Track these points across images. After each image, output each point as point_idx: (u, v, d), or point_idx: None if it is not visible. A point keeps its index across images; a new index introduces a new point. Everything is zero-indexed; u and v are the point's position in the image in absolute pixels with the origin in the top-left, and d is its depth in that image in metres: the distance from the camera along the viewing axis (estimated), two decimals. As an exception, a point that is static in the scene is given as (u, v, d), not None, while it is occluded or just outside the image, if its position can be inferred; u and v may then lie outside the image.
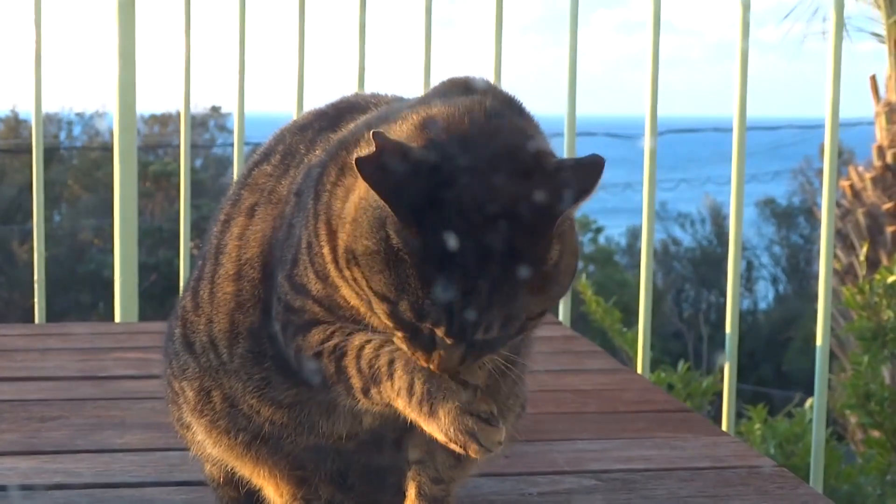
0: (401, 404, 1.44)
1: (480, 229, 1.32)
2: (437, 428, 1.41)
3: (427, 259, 1.32)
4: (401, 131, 1.40)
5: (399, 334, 1.41)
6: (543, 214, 1.33)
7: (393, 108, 1.54)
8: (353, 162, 1.30)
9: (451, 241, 1.31)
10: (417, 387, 1.42)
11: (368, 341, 1.47)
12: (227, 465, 1.77)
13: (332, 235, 1.45)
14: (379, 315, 1.40)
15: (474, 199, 1.32)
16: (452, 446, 1.42)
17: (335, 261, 1.45)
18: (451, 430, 1.40)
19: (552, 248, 1.35)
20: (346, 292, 1.46)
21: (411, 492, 1.66)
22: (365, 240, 1.37)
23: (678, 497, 1.97)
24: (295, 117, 1.90)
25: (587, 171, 1.35)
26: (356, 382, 1.48)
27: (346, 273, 1.41)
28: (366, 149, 1.34)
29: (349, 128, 1.58)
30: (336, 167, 1.47)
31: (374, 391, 1.47)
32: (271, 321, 1.58)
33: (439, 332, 1.36)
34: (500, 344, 1.41)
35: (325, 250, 1.46)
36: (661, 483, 2.03)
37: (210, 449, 1.75)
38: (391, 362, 1.44)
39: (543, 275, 1.36)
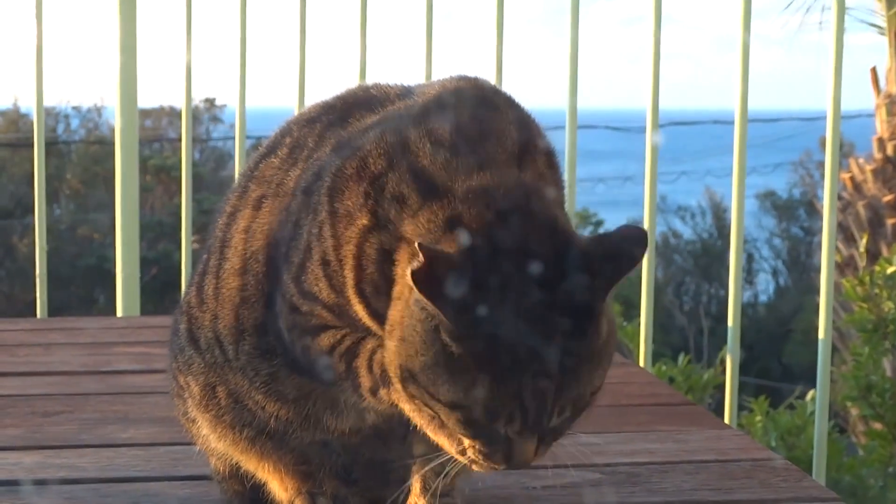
0: (407, 408, 1.45)
1: (537, 320, 1.34)
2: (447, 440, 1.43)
3: (490, 359, 1.34)
4: (428, 233, 1.40)
5: (472, 443, 1.40)
6: (592, 295, 1.36)
7: (405, 115, 1.53)
8: (410, 273, 1.31)
9: (512, 337, 1.33)
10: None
11: (380, 345, 1.47)
12: (232, 459, 1.77)
13: (361, 272, 1.46)
14: (450, 426, 1.40)
15: (525, 293, 1.35)
16: (459, 456, 1.44)
17: (357, 287, 1.46)
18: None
19: (602, 322, 1.38)
20: (359, 310, 1.48)
21: (416, 485, 1.67)
22: (422, 356, 1.37)
23: (683, 490, 1.97)
24: (297, 111, 1.90)
25: (630, 243, 1.38)
26: (365, 382, 1.50)
27: (405, 392, 1.42)
28: (413, 262, 1.34)
29: (359, 126, 1.58)
30: (366, 209, 1.46)
31: (382, 392, 1.48)
32: (275, 317, 1.58)
33: (514, 428, 1.37)
34: (569, 427, 1.43)
35: (349, 275, 1.47)
36: (665, 476, 2.03)
37: (215, 443, 1.75)
38: None
39: (599, 350, 1.39)
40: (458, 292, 1.33)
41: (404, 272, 1.40)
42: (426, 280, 1.32)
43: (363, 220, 1.46)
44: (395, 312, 1.42)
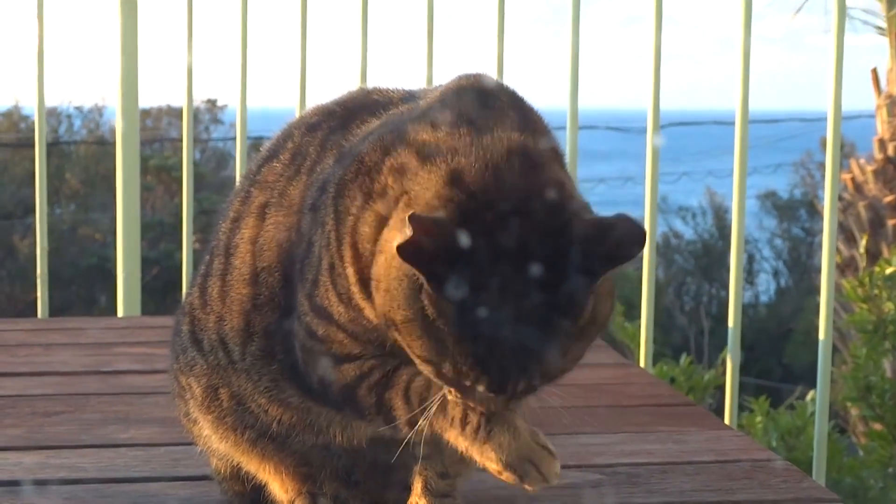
0: (452, 434, 1.47)
1: (515, 294, 1.34)
2: (495, 457, 1.44)
3: (462, 325, 1.35)
4: (429, 186, 1.40)
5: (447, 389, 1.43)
6: (579, 278, 1.36)
7: (405, 117, 1.53)
8: (396, 248, 1.32)
9: (485, 308, 1.34)
10: (472, 417, 1.45)
11: (416, 375, 1.48)
12: (233, 460, 1.77)
13: (359, 258, 1.46)
14: (424, 372, 1.43)
15: (508, 265, 1.34)
16: (507, 475, 1.45)
17: (360, 282, 1.46)
18: (512, 458, 1.44)
19: (588, 302, 1.37)
20: (369, 314, 1.47)
21: (417, 486, 1.67)
22: (402, 310, 1.39)
23: (683, 491, 1.97)
24: (298, 112, 1.90)
25: (627, 236, 1.37)
26: (402, 414, 1.50)
27: (389, 334, 1.43)
28: (404, 231, 1.34)
29: (360, 132, 1.57)
30: (361, 192, 1.47)
31: (422, 423, 1.48)
32: (287, 327, 1.58)
33: (481, 389, 1.38)
34: (544, 387, 1.43)
35: (350, 271, 1.47)
36: (665, 477, 2.03)
37: (216, 444, 1.76)
38: (441, 391, 1.46)
39: (580, 327, 1.39)
40: (438, 259, 1.33)
41: (398, 220, 1.40)
42: (413, 250, 1.32)
43: (357, 202, 1.46)
44: (380, 263, 1.42)
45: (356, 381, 1.52)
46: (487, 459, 1.46)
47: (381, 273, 1.42)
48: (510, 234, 1.35)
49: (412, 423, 1.49)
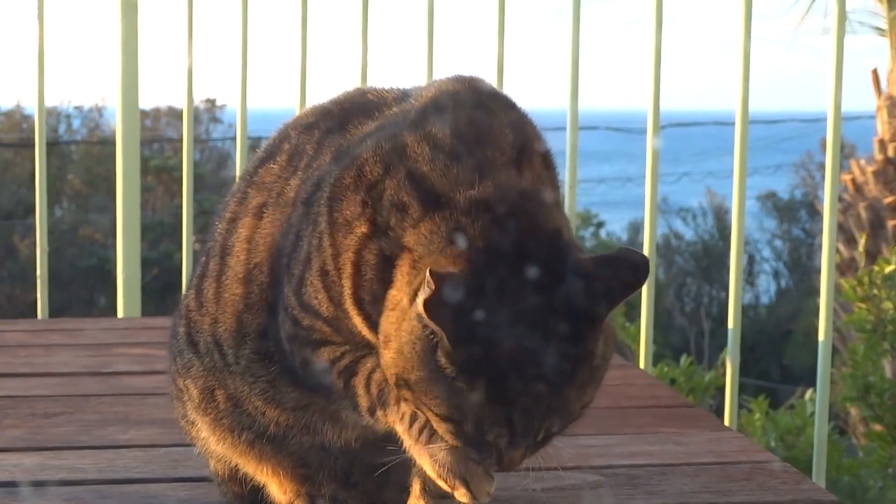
0: (400, 429, 1.48)
1: (536, 346, 1.35)
2: (430, 463, 1.45)
3: (486, 383, 1.35)
4: (434, 247, 1.41)
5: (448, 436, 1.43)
6: (591, 320, 1.37)
7: (401, 122, 1.53)
8: (423, 305, 1.32)
9: (506, 363, 1.34)
10: (421, 417, 1.45)
11: (377, 367, 1.48)
12: (231, 462, 1.77)
13: (359, 278, 1.47)
14: (441, 433, 1.43)
15: (528, 320, 1.36)
16: (440, 483, 1.46)
17: (354, 298, 1.47)
18: (444, 468, 1.44)
19: (599, 343, 1.39)
20: (357, 322, 1.49)
21: (416, 488, 1.67)
22: (417, 371, 1.39)
23: (682, 493, 1.97)
24: (297, 112, 1.89)
25: (630, 269, 1.39)
26: (363, 402, 1.51)
27: (399, 393, 1.44)
28: (424, 289, 1.34)
29: (358, 133, 1.57)
30: (364, 217, 1.47)
31: (379, 412, 1.50)
32: (278, 326, 1.58)
33: (502, 442, 1.39)
34: (557, 435, 1.44)
35: (347, 285, 1.48)
36: (665, 479, 2.03)
37: (214, 446, 1.76)
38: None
39: (593, 370, 1.40)
40: (464, 322, 1.34)
41: (403, 282, 1.41)
42: (436, 308, 1.32)
43: (362, 229, 1.47)
44: (390, 321, 1.43)
45: (329, 365, 1.54)
46: (424, 463, 1.47)
47: (391, 332, 1.42)
48: (522, 286, 1.36)
49: (371, 411, 1.51)
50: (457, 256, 1.39)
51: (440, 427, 1.41)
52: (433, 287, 1.32)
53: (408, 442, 1.48)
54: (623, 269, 1.39)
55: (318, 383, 1.56)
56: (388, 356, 1.42)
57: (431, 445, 1.45)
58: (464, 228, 1.40)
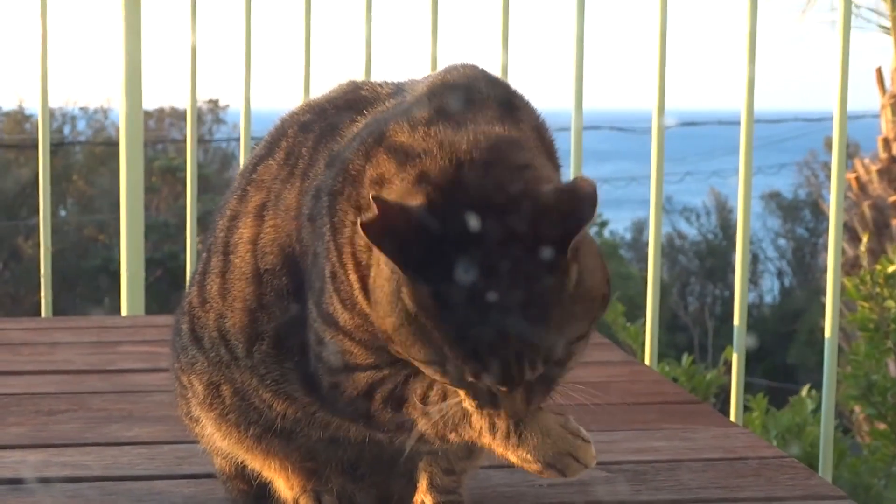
0: (486, 442, 1.46)
1: (489, 274, 1.32)
2: (532, 459, 1.44)
3: (444, 315, 1.33)
4: (400, 190, 1.40)
5: (461, 393, 1.42)
6: (547, 246, 1.33)
7: (389, 115, 1.53)
8: (360, 225, 1.31)
9: (462, 292, 1.31)
10: (499, 423, 1.44)
11: (431, 387, 1.47)
12: (237, 458, 1.76)
13: (359, 266, 1.45)
14: (431, 376, 1.41)
15: (477, 247, 1.33)
16: (549, 473, 1.45)
17: (363, 289, 1.45)
18: (549, 457, 1.43)
19: (569, 273, 1.35)
20: (374, 319, 1.47)
21: (423, 482, 1.66)
22: (389, 317, 1.37)
23: (689, 488, 1.96)
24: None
25: (581, 198, 1.34)
26: (428, 429, 1.49)
27: (391, 348, 1.42)
28: (368, 212, 1.34)
29: (349, 133, 1.57)
30: (351, 206, 1.47)
31: (451, 435, 1.48)
32: (303, 333, 1.57)
33: (488, 382, 1.36)
34: (558, 375, 1.41)
35: (353, 277, 1.46)
36: (671, 474, 2.02)
37: (220, 442, 1.75)
38: (457, 398, 1.44)
39: (567, 300, 1.35)
40: (409, 244, 1.32)
41: None
42: (379, 231, 1.31)
43: (350, 217, 1.46)
44: (371, 275, 1.42)
45: (368, 391, 1.51)
46: (525, 462, 1.45)
47: (372, 284, 1.42)
48: (475, 216, 1.33)
49: (441, 438, 1.49)
50: (416, 193, 1.37)
51: (428, 372, 1.39)
52: (375, 210, 1.30)
53: (499, 451, 1.46)
54: (579, 199, 1.34)
55: (353, 410, 1.54)
56: (373, 313, 1.41)
57: (517, 441, 1.43)
58: (429, 170, 1.39)
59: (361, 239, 1.44)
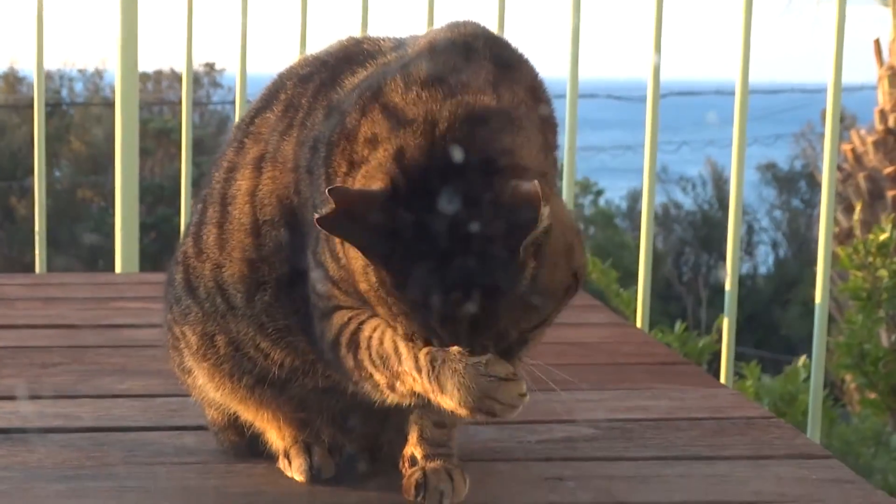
0: (418, 387, 1.46)
1: (443, 267, 1.38)
2: (454, 402, 1.42)
3: (402, 298, 1.41)
4: (381, 162, 1.44)
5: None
6: (501, 245, 1.37)
7: (388, 69, 1.54)
8: (315, 221, 1.39)
9: (418, 282, 1.39)
10: (421, 358, 1.44)
11: (375, 329, 1.50)
12: (229, 409, 1.78)
13: None
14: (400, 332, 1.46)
15: (435, 240, 1.38)
16: (478, 416, 1.43)
17: (344, 247, 1.49)
18: (469, 398, 1.41)
19: (524, 268, 1.38)
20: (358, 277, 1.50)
21: (413, 435, 1.67)
22: (362, 283, 1.45)
23: (676, 445, 1.98)
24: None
25: (528, 203, 1.36)
26: (380, 378, 1.51)
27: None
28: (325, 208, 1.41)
29: (349, 84, 1.58)
30: (345, 160, 1.49)
31: (398, 384, 1.49)
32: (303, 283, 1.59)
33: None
34: (513, 354, 1.45)
35: None
36: (658, 432, 2.04)
37: (212, 393, 1.76)
38: (395, 343, 1.47)
39: (521, 294, 1.39)
40: (370, 230, 1.39)
41: None
42: (336, 223, 1.38)
43: (342, 169, 1.49)
44: (347, 247, 1.48)
45: (338, 334, 1.54)
46: (454, 407, 1.43)
47: (347, 252, 1.48)
48: (435, 212, 1.39)
49: (391, 387, 1.51)
50: (385, 174, 1.42)
51: (399, 329, 1.45)
52: (334, 204, 1.37)
53: (429, 394, 1.45)
54: (526, 203, 1.36)
55: (333, 356, 1.56)
56: (352, 277, 1.48)
57: (438, 385, 1.43)
58: (404, 146, 1.43)
59: None
